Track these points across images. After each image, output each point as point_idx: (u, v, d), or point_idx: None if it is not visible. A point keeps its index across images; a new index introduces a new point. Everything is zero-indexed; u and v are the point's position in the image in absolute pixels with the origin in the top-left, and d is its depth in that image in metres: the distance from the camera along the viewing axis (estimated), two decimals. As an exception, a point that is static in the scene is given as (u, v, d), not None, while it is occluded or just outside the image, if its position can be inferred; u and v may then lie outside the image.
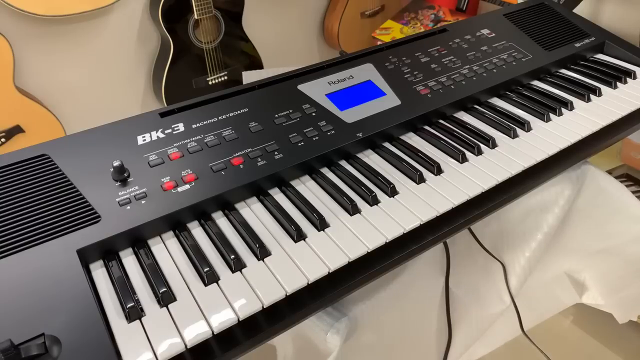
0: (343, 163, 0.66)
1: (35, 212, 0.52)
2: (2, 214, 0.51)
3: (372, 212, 0.58)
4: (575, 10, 1.23)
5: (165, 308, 0.46)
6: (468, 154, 0.67)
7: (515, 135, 0.71)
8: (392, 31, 1.84)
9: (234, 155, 0.61)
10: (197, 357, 0.45)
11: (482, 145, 0.69)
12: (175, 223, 0.55)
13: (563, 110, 0.78)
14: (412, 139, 0.71)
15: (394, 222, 0.56)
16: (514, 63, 0.85)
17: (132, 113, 1.21)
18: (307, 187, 0.62)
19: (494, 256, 0.83)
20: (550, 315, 1.02)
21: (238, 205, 0.59)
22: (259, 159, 0.61)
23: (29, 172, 0.56)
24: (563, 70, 0.90)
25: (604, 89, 0.84)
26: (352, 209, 0.57)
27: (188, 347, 0.43)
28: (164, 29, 1.57)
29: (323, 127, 0.67)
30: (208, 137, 0.63)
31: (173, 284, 0.49)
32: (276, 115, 0.67)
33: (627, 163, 1.39)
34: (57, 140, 0.60)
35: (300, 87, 0.73)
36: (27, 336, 0.42)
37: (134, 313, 0.45)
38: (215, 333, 0.45)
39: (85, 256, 0.50)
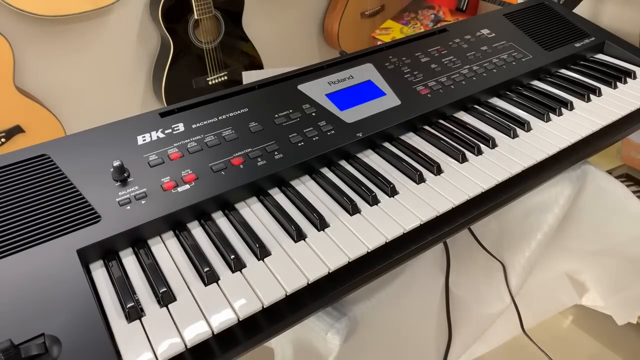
0: (343, 163, 0.66)
1: (35, 212, 0.52)
2: (2, 214, 0.51)
3: (372, 212, 0.58)
4: (575, 10, 1.23)
5: (165, 308, 0.46)
6: (468, 154, 0.67)
7: (515, 135, 0.71)
8: (392, 31, 1.84)
9: (234, 155, 0.61)
10: (197, 357, 0.45)
11: (482, 145, 0.69)
12: (175, 223, 0.55)
13: (563, 110, 0.78)
14: (412, 139, 0.71)
15: (394, 222, 0.56)
16: (514, 63, 0.85)
17: (132, 113, 1.21)
18: (307, 187, 0.62)
19: (494, 256, 0.83)
20: (550, 316, 1.02)
21: (238, 205, 0.59)
22: (259, 159, 0.61)
23: (29, 172, 0.56)
24: (563, 70, 0.90)
25: (604, 89, 0.84)
26: (352, 209, 0.57)
27: (188, 347, 0.43)
28: (164, 29, 1.57)
29: (323, 127, 0.67)
30: (208, 137, 0.63)
31: (173, 284, 0.49)
32: (276, 115, 0.67)
33: (627, 163, 1.39)
34: (57, 140, 0.60)
35: (300, 87, 0.73)
36: (27, 336, 0.42)
37: (134, 313, 0.45)
38: (215, 333, 0.45)
39: (85, 256, 0.50)
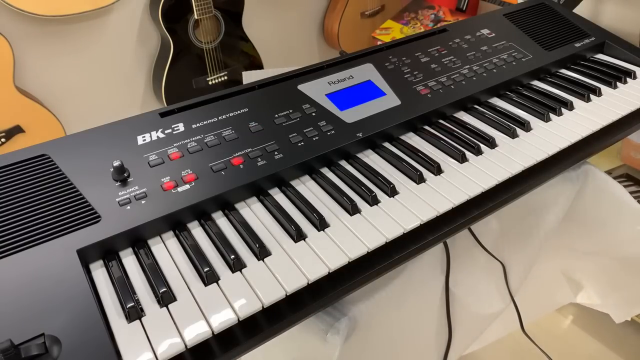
0: (343, 163, 0.66)
1: (35, 212, 0.52)
2: (2, 214, 0.51)
3: (372, 212, 0.58)
4: (575, 10, 1.23)
5: (165, 308, 0.46)
6: (468, 154, 0.67)
7: (515, 135, 0.71)
8: (392, 31, 1.84)
9: (234, 155, 0.61)
10: (197, 357, 0.45)
11: (482, 145, 0.69)
12: (175, 223, 0.55)
13: (563, 110, 0.78)
14: (412, 139, 0.71)
15: (394, 222, 0.56)
16: (514, 63, 0.85)
17: (132, 113, 1.21)
18: (307, 187, 0.62)
19: (494, 256, 0.83)
20: (545, 314, 1.02)
21: (238, 205, 0.59)
22: (259, 159, 0.61)
23: (29, 172, 0.56)
24: (563, 70, 0.90)
25: (604, 89, 0.84)
26: (352, 209, 0.57)
27: (188, 347, 0.43)
28: (164, 29, 1.57)
29: (323, 127, 0.67)
30: (208, 137, 0.63)
31: (173, 284, 0.49)
32: (276, 115, 0.67)
33: (627, 163, 1.39)
34: (57, 140, 0.60)
35: (300, 87, 0.73)
36: (27, 336, 0.42)
37: (134, 313, 0.45)
38: (215, 333, 0.45)
39: (85, 256, 0.50)
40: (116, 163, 0.55)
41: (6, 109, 1.40)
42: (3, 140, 1.41)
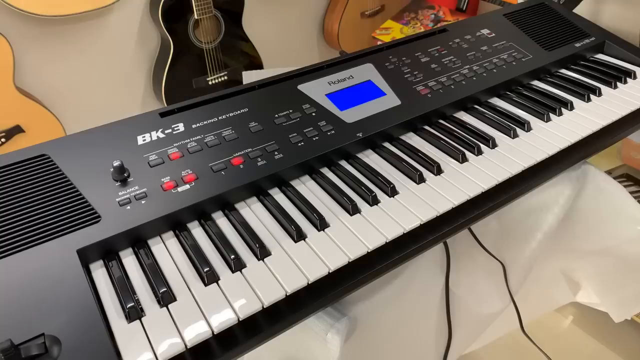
0: (343, 163, 0.66)
1: (35, 212, 0.52)
2: (2, 214, 0.51)
3: (372, 212, 0.58)
4: (575, 10, 1.23)
5: (165, 308, 0.46)
6: (468, 154, 0.67)
7: (515, 135, 0.71)
8: (392, 31, 1.84)
9: (234, 155, 0.61)
10: (197, 357, 0.45)
11: (482, 145, 0.69)
12: (175, 223, 0.55)
13: (563, 110, 0.78)
14: (412, 139, 0.71)
15: (394, 222, 0.56)
16: (514, 63, 0.85)
17: (132, 113, 1.21)
18: (307, 187, 0.62)
19: (494, 256, 0.83)
20: (545, 313, 1.02)
21: (238, 205, 0.59)
22: (259, 159, 0.61)
23: (29, 172, 0.56)
24: (563, 70, 0.90)
25: (604, 89, 0.84)
26: (352, 209, 0.57)
27: (188, 347, 0.44)
28: (164, 29, 1.57)
29: (323, 127, 0.67)
30: (208, 137, 0.63)
31: (173, 284, 0.49)
32: (276, 115, 0.68)
33: (627, 163, 1.39)
34: (57, 140, 0.60)
35: (300, 87, 0.73)
36: (27, 336, 0.42)
37: (134, 313, 0.45)
38: (215, 333, 0.45)
39: (85, 256, 0.50)
40: (116, 163, 0.55)
41: (6, 109, 1.40)
42: (3, 140, 1.41)
